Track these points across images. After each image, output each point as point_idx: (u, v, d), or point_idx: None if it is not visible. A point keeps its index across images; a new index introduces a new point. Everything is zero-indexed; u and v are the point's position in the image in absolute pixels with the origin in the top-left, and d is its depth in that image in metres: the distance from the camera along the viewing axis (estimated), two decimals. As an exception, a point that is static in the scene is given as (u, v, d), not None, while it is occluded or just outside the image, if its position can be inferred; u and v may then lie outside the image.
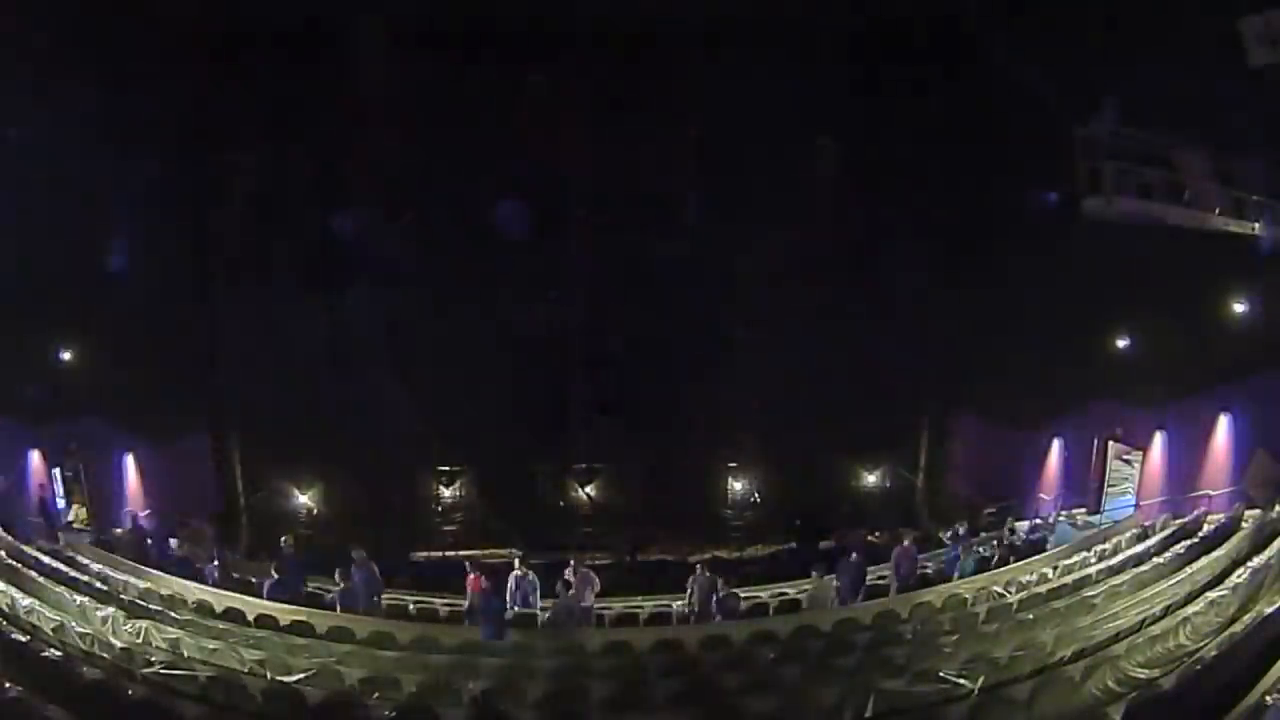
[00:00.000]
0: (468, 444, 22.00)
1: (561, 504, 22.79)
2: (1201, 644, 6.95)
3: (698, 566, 13.81)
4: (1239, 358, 13.30)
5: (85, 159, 15.43)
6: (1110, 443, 17.20)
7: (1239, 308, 13.20)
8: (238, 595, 12.31)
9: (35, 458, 16.78)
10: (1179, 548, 10.51)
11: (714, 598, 12.49)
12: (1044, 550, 14.55)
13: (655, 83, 19.22)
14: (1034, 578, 11.72)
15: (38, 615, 8.95)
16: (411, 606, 14.23)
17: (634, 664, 9.17)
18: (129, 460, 19.01)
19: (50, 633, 8.63)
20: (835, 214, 20.10)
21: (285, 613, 11.30)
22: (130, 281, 17.46)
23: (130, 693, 6.75)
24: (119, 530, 17.44)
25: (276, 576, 12.88)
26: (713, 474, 23.00)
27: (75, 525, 17.54)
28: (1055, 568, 12.15)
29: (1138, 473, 16.42)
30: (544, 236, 20.28)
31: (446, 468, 22.59)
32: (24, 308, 15.08)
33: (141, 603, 10.70)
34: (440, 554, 20.89)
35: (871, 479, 22.92)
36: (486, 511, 22.28)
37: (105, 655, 8.11)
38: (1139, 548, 11.81)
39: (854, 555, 14.08)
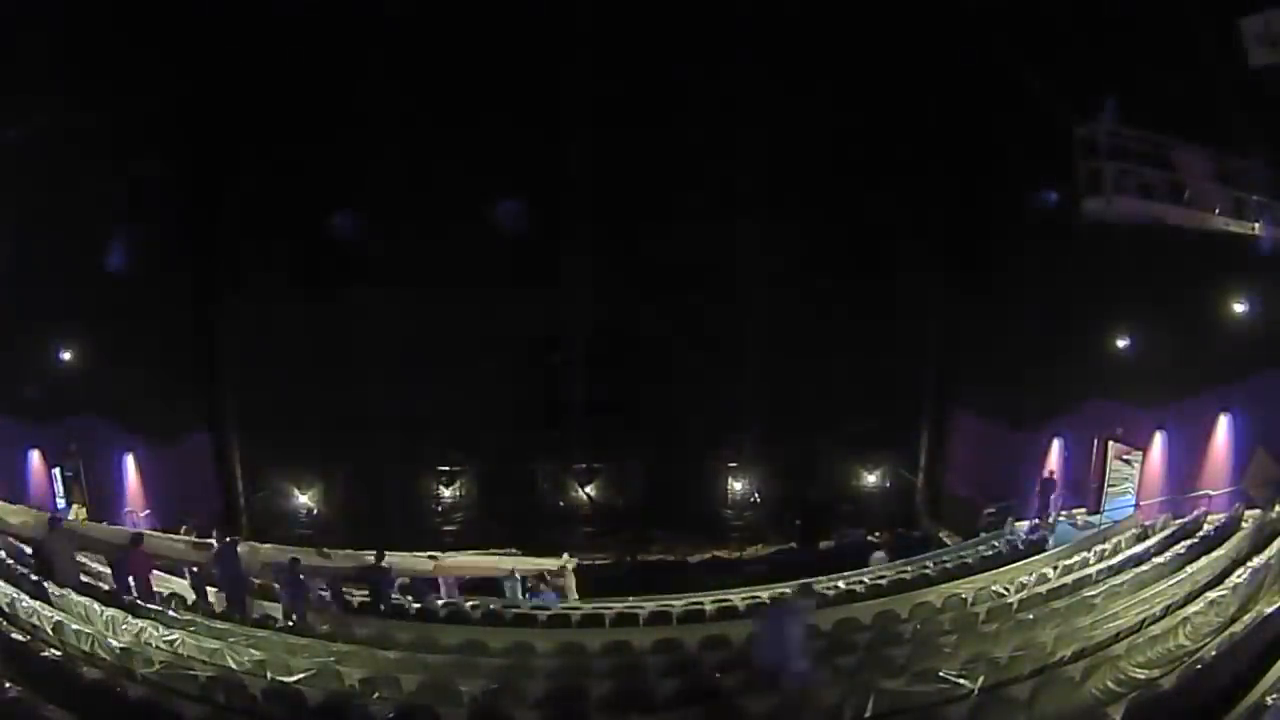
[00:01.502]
0: (468, 444, 22.01)
1: (561, 504, 22.81)
2: (1201, 644, 6.95)
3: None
4: (1239, 358, 13.30)
5: (85, 159, 15.44)
6: (1110, 443, 17.18)
7: (1239, 308, 13.19)
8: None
9: (35, 458, 16.77)
10: (1179, 548, 10.50)
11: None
12: (1044, 550, 14.55)
13: (656, 82, 19.24)
14: (1034, 578, 11.72)
15: (38, 615, 8.95)
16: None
17: (634, 664, 9.17)
18: (129, 460, 19.01)
19: (50, 633, 8.63)
20: (836, 214, 20.12)
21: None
22: (130, 282, 17.46)
23: (130, 693, 6.75)
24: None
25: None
26: (713, 474, 23.02)
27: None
28: (1055, 568, 12.14)
29: (1138, 473, 16.41)
30: (544, 236, 20.30)
31: (446, 468, 22.61)
32: (24, 308, 15.08)
33: (142, 604, 10.70)
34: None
35: (871, 479, 22.93)
36: (486, 511, 22.32)
37: (105, 655, 8.11)
38: (1139, 548, 11.80)
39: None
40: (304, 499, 22.02)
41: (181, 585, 12.85)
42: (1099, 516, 16.68)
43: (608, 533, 21.72)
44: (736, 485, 23.05)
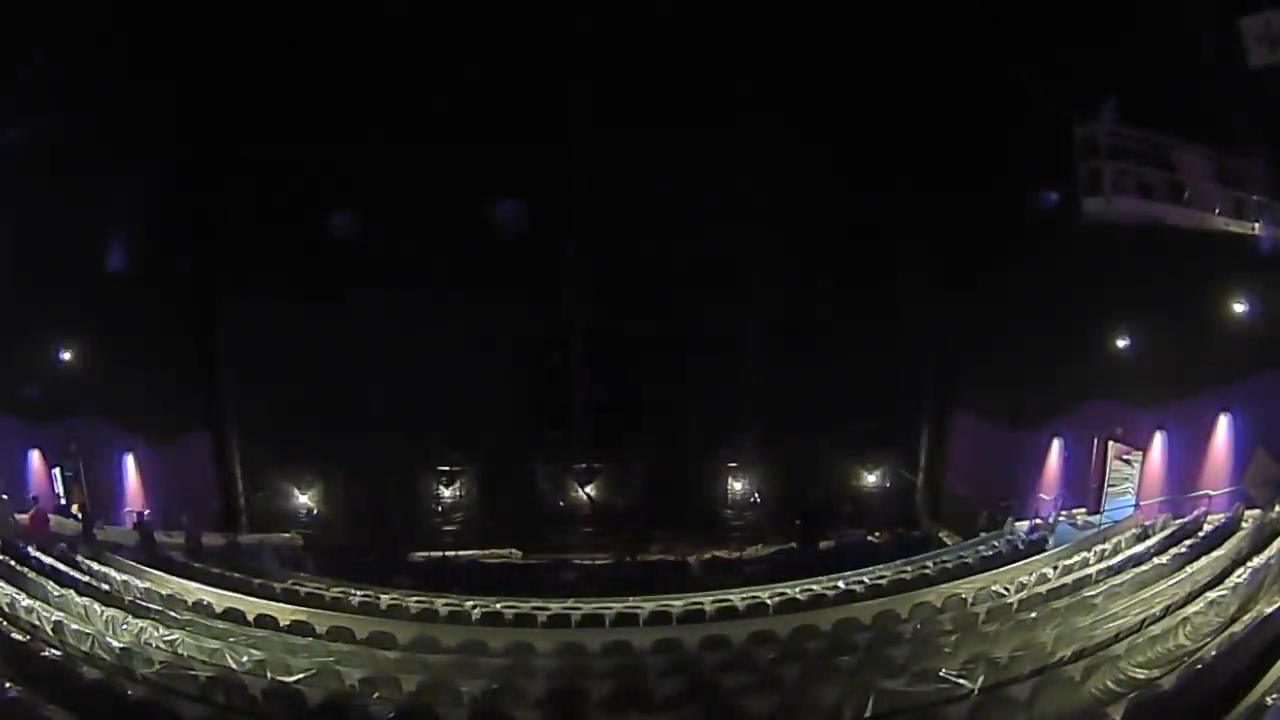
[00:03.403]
0: (468, 444, 22.01)
1: (561, 504, 22.81)
2: (1201, 644, 6.95)
3: None
4: (1239, 358, 13.30)
5: (86, 158, 15.44)
6: (1110, 443, 17.19)
7: (1239, 308, 13.19)
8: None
9: (35, 458, 16.77)
10: (1179, 548, 10.51)
11: None
12: (1044, 550, 14.56)
13: (656, 83, 19.23)
14: (1034, 578, 11.73)
15: (38, 615, 8.96)
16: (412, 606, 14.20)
17: (634, 664, 9.16)
18: (129, 460, 19.01)
19: (50, 633, 8.63)
20: (836, 214, 20.11)
21: (286, 613, 11.34)
22: (130, 282, 17.46)
23: (130, 693, 6.75)
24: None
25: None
26: (713, 474, 23.01)
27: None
28: (1055, 568, 12.14)
29: (1138, 473, 16.41)
30: (544, 236, 20.29)
31: (446, 468, 22.60)
32: (24, 308, 15.08)
33: (142, 602, 10.71)
34: (440, 554, 20.91)
35: (871, 479, 22.92)
36: (486, 511, 22.32)
37: (105, 655, 8.11)
38: (1139, 548, 11.80)
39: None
40: (304, 499, 22.02)
41: (180, 584, 12.86)
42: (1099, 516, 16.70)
43: (608, 533, 21.72)
44: (736, 485, 23.05)
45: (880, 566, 15.93)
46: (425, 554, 20.79)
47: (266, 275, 20.09)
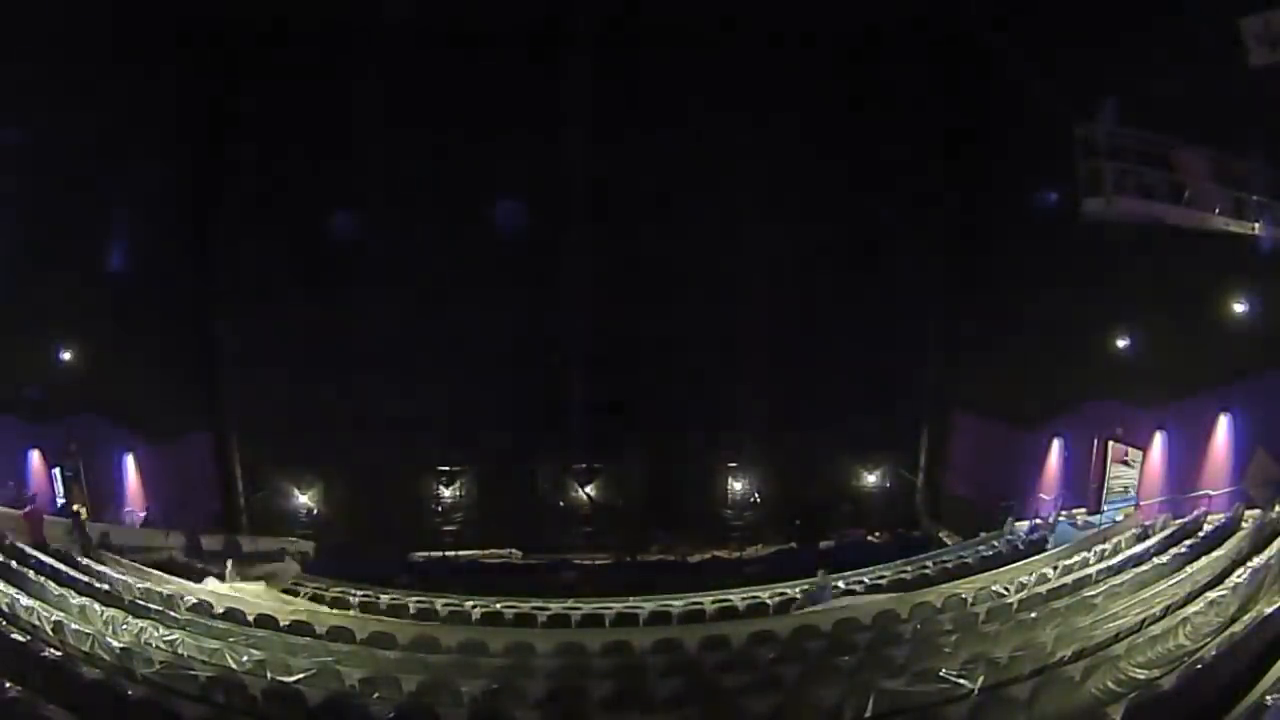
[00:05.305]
0: (468, 444, 22.01)
1: (561, 504, 22.81)
2: (1201, 644, 6.95)
3: None
4: (1239, 358, 13.30)
5: (86, 159, 15.45)
6: (1110, 443, 17.19)
7: (1239, 308, 13.18)
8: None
9: (35, 458, 16.76)
10: (1179, 548, 10.51)
11: None
12: (1044, 550, 14.56)
13: (656, 83, 19.25)
14: (1034, 578, 11.73)
15: (38, 615, 8.95)
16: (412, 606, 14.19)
17: (634, 664, 9.17)
18: (129, 460, 19.01)
19: (50, 633, 8.63)
20: (836, 214, 20.12)
21: (286, 613, 11.34)
22: (130, 282, 17.45)
23: (130, 693, 6.75)
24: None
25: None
26: (713, 474, 23.01)
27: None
28: (1055, 568, 12.14)
29: (1138, 473, 16.41)
30: (544, 236, 20.30)
31: (446, 468, 22.61)
32: (24, 308, 15.08)
33: (142, 602, 10.71)
34: (440, 554, 20.91)
35: (871, 479, 22.92)
36: (486, 511, 22.32)
37: (105, 655, 8.11)
38: (1139, 548, 11.80)
39: None
40: (304, 499, 22.02)
41: (179, 584, 12.87)
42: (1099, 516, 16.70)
43: (608, 533, 21.71)
44: (736, 485, 23.04)
45: (880, 566, 15.95)
46: (425, 554, 20.79)
47: (266, 275, 20.10)
